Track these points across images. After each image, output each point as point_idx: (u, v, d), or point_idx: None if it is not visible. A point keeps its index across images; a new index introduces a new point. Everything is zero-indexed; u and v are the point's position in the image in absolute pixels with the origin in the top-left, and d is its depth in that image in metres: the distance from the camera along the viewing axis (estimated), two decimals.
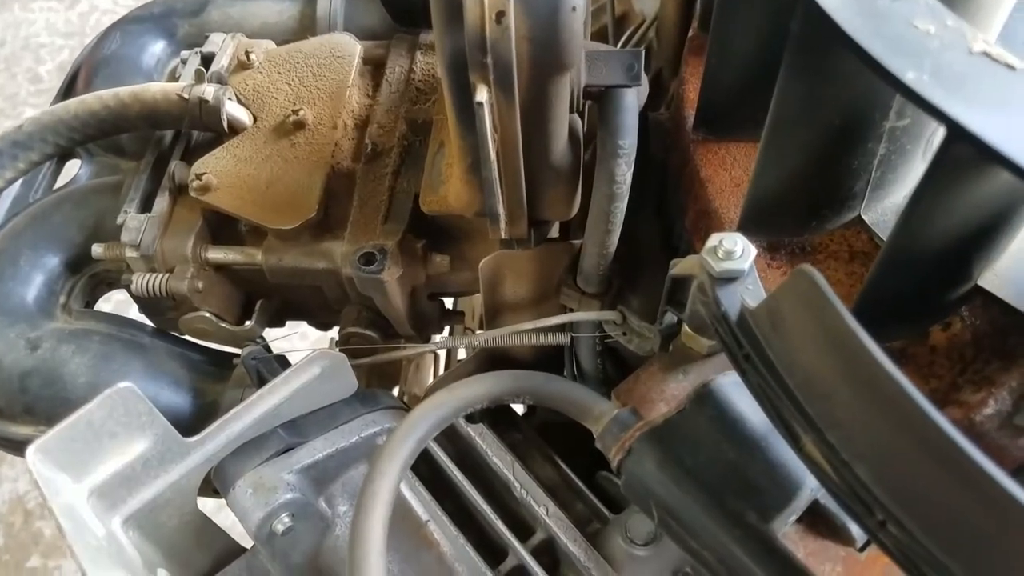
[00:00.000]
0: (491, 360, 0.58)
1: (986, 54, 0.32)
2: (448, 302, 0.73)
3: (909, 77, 0.31)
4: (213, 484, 0.50)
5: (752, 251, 0.39)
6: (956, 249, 0.38)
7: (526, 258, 0.50)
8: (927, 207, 0.36)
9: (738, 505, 0.36)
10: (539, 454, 0.60)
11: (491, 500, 0.52)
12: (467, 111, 0.40)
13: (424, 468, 0.56)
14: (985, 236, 0.37)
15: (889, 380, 0.29)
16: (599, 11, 0.77)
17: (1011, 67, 0.31)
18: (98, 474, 0.41)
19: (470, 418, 0.56)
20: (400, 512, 0.54)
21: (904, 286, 0.39)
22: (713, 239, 0.39)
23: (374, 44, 0.64)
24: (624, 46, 0.71)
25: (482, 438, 0.53)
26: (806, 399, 0.35)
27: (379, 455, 0.37)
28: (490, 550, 0.52)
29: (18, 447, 0.54)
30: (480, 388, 0.40)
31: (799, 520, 0.40)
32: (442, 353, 0.91)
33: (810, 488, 0.37)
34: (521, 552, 0.50)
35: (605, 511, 0.55)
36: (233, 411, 0.46)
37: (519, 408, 0.64)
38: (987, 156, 0.30)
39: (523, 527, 0.52)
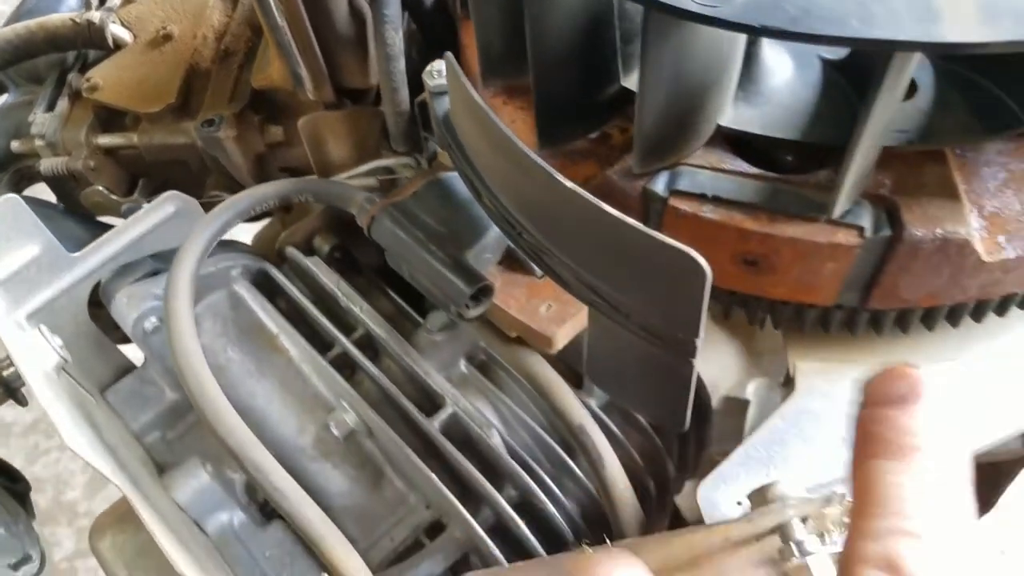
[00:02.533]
0: (333, 218, 0.73)
1: None
2: None
3: None
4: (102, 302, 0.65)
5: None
6: (579, 54, 0.51)
7: (336, 119, 0.65)
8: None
9: (442, 242, 0.52)
10: (376, 289, 0.75)
11: (321, 308, 0.67)
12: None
13: (281, 301, 0.70)
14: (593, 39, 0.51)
15: (492, 125, 0.44)
16: None
17: None
18: (0, 271, 0.56)
19: (309, 254, 0.71)
20: (254, 328, 0.69)
21: (562, 88, 0.53)
22: (433, 64, 0.54)
23: None
24: None
25: (316, 265, 0.69)
26: (476, 161, 0.50)
27: (186, 240, 0.52)
28: (324, 347, 0.67)
29: None
30: (271, 188, 0.55)
31: (500, 263, 0.55)
32: None
33: (494, 233, 0.52)
34: (344, 341, 0.65)
35: (418, 318, 0.70)
36: (106, 235, 0.60)
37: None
38: None
39: (348, 327, 0.67)
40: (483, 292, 0.50)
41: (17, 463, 0.68)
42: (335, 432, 0.62)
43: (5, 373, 0.53)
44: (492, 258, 0.53)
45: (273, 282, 0.69)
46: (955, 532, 0.33)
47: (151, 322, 0.62)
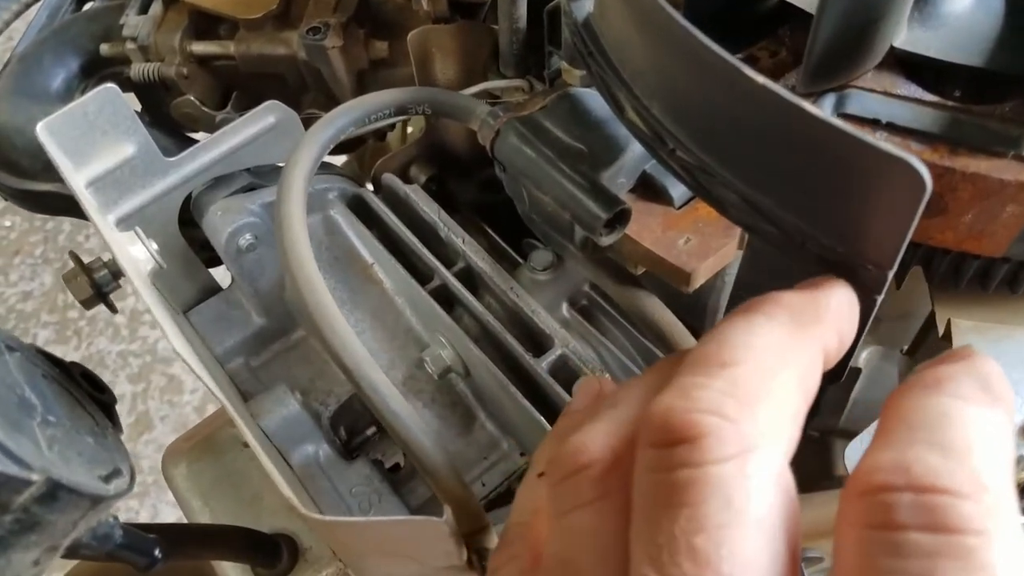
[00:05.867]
0: (431, 147, 0.69)
1: None
2: None
3: None
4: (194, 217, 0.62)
5: None
6: None
7: (447, 33, 0.61)
8: None
9: (576, 164, 0.47)
10: (472, 226, 0.70)
11: (420, 238, 0.63)
12: None
13: (377, 229, 0.66)
14: None
15: (663, 16, 0.39)
16: None
17: None
18: (93, 167, 0.52)
19: (407, 182, 0.67)
20: (348, 256, 0.65)
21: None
22: None
23: None
24: None
25: (415, 193, 0.64)
26: (624, 66, 0.45)
27: (300, 143, 0.48)
28: (421, 280, 0.63)
29: (37, 200, 0.67)
30: (388, 96, 0.50)
31: (632, 191, 0.50)
32: None
33: (634, 152, 0.47)
34: (444, 273, 0.61)
35: (517, 257, 0.66)
36: (202, 143, 0.57)
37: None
38: None
39: (448, 262, 0.63)
40: (620, 217, 0.45)
41: None
42: (430, 368, 0.59)
43: (97, 276, 0.49)
44: (626, 183, 0.48)
45: (370, 210, 0.65)
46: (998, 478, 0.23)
47: (245, 239, 0.59)
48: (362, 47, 0.64)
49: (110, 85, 0.50)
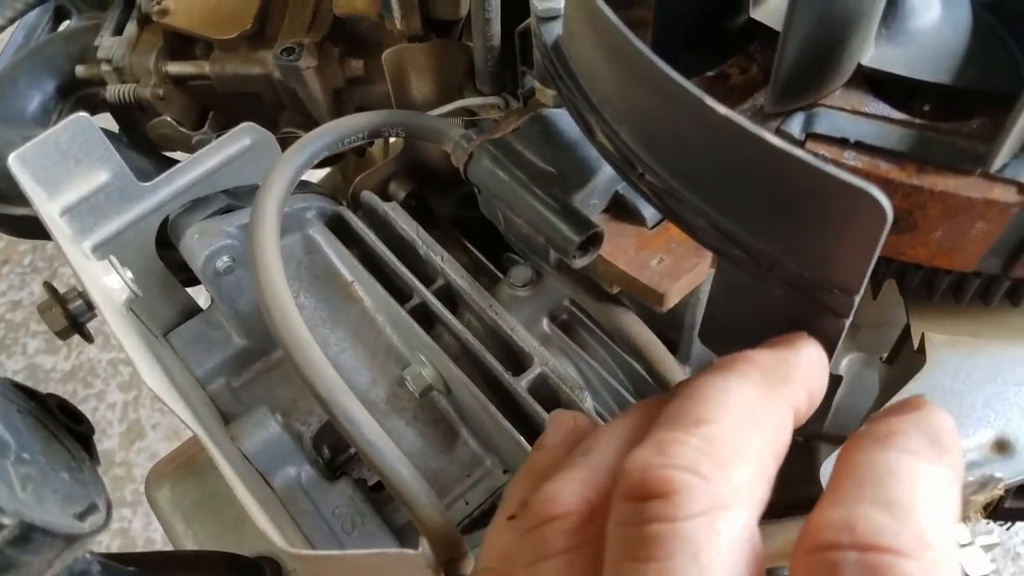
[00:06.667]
0: (410, 163, 0.69)
1: None
2: None
3: None
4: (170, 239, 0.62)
5: None
6: None
7: (422, 52, 0.61)
8: None
9: (548, 187, 0.47)
10: (452, 241, 0.70)
11: (401, 259, 0.63)
12: None
13: (355, 247, 0.66)
14: None
15: (628, 46, 0.39)
16: None
17: None
18: (67, 196, 0.52)
19: (387, 199, 0.67)
20: (328, 275, 0.65)
21: (687, 10, 0.48)
22: None
23: None
24: None
25: (394, 211, 0.64)
26: (593, 90, 0.45)
27: (272, 168, 0.48)
28: (401, 299, 0.63)
29: (13, 224, 0.66)
30: (362, 119, 0.51)
31: (605, 211, 0.50)
32: None
33: (605, 174, 0.48)
34: (424, 291, 0.61)
35: (497, 272, 0.66)
36: (178, 166, 0.57)
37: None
38: None
39: (427, 279, 0.63)
40: (592, 240, 0.45)
41: None
42: (411, 387, 0.59)
43: (71, 306, 0.49)
44: (599, 204, 0.49)
45: (348, 228, 0.65)
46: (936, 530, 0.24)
47: (223, 261, 0.59)
48: (337, 66, 0.64)
49: (82, 114, 0.50)
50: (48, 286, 0.47)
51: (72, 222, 0.53)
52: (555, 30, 0.48)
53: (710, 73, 0.52)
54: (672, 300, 0.48)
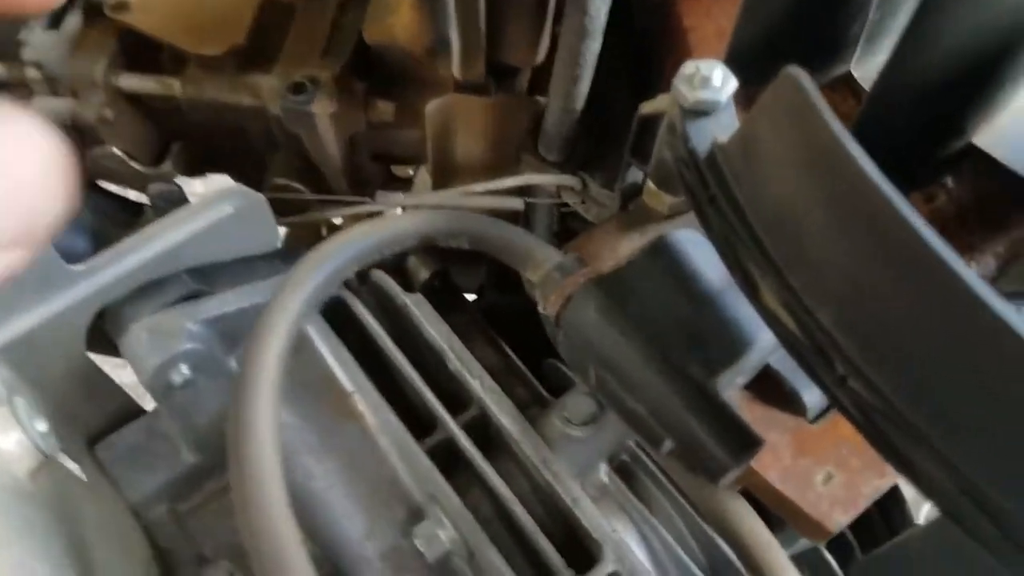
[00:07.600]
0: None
1: None
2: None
3: None
4: (108, 334, 0.45)
5: (732, 82, 0.34)
6: (951, 90, 0.33)
7: (480, 108, 0.45)
8: (921, 36, 0.32)
9: (682, 357, 0.32)
10: (482, 337, 0.55)
11: (423, 371, 0.47)
12: None
13: (355, 340, 0.51)
14: (984, 74, 0.33)
15: (874, 191, 0.25)
16: None
17: None
18: None
19: (408, 288, 0.51)
20: (321, 382, 0.49)
21: (890, 138, 0.35)
22: (689, 66, 0.34)
23: None
24: None
25: (418, 307, 0.49)
26: (772, 238, 0.30)
27: (282, 283, 0.32)
28: (420, 425, 0.48)
29: None
30: (409, 223, 0.35)
31: (747, 387, 0.35)
32: None
33: (761, 347, 0.33)
34: (451, 426, 0.45)
35: (546, 395, 0.51)
36: (128, 240, 0.40)
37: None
38: None
39: (456, 402, 0.48)
40: (748, 453, 0.31)
41: None
42: (421, 548, 0.44)
43: None
44: (742, 380, 0.34)
45: (353, 320, 0.49)
46: None
47: (180, 374, 0.43)
48: (360, 109, 0.47)
49: None
50: None
51: None
52: (707, 131, 0.33)
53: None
54: (837, 531, 0.34)
